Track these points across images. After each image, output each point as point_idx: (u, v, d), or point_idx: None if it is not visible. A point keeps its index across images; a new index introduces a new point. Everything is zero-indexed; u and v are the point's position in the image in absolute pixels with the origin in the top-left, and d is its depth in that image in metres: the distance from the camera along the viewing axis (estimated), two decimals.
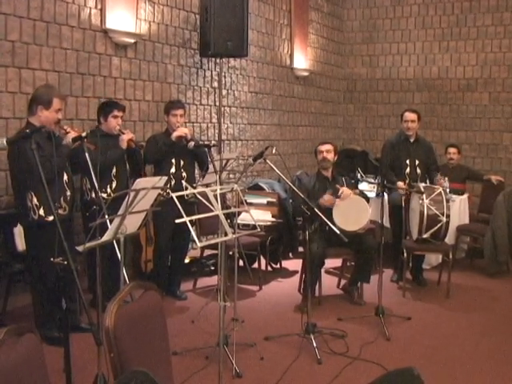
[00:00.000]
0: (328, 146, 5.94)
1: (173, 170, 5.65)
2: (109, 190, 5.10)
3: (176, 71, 6.92)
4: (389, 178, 6.32)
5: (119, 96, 6.13)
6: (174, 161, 5.66)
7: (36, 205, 4.36)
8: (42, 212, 4.37)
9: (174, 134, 5.59)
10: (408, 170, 6.45)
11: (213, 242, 4.44)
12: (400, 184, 6.27)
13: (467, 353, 4.64)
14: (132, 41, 6.21)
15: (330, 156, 5.89)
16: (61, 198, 4.48)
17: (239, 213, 5.86)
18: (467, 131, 9.70)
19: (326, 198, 5.60)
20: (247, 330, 4.77)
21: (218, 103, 7.46)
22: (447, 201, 5.97)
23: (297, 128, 9.42)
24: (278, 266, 7.15)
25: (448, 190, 6.35)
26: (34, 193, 4.34)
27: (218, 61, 7.32)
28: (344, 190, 5.61)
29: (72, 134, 4.41)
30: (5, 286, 4.98)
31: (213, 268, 6.65)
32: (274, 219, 6.80)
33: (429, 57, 9.92)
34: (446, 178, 6.51)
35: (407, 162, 6.46)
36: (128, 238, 3.84)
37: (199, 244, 3.34)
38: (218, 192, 3.46)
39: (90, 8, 5.77)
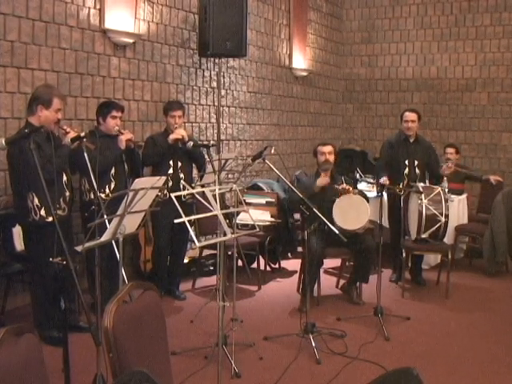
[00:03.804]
0: (330, 148, 5.91)
1: (170, 171, 5.65)
2: (107, 191, 5.09)
3: (175, 71, 6.92)
4: (379, 175, 6.33)
5: (118, 96, 6.13)
6: (171, 162, 5.66)
7: (37, 205, 4.35)
8: (43, 212, 4.36)
9: (171, 137, 5.59)
10: (407, 170, 6.43)
11: (212, 241, 4.44)
12: (384, 180, 6.20)
13: (466, 352, 4.65)
14: (131, 41, 6.21)
15: (332, 158, 5.88)
16: (60, 198, 4.47)
17: (238, 213, 5.86)
18: (466, 131, 9.71)
19: (321, 179, 5.64)
20: (246, 330, 4.77)
21: (216, 103, 7.45)
22: (446, 201, 5.97)
23: (296, 128, 9.42)
24: (277, 265, 7.15)
25: (447, 190, 6.35)
26: (35, 193, 4.33)
27: (216, 61, 7.32)
28: (344, 186, 5.62)
29: (71, 134, 4.41)
30: (4, 286, 4.97)
31: (212, 268, 6.64)
32: (272, 219, 6.79)
33: (428, 57, 9.93)
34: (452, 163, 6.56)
35: (406, 162, 6.45)
36: (127, 238, 3.84)
37: (198, 244, 3.34)
38: (217, 192, 3.47)
39: (89, 8, 5.77)
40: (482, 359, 4.52)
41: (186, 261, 6.31)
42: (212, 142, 7.16)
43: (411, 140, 6.52)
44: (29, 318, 4.63)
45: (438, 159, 6.82)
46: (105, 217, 3.61)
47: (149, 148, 5.63)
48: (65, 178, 4.55)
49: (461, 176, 7.74)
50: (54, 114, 4.41)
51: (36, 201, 4.35)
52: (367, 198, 5.80)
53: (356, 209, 5.50)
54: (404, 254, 6.10)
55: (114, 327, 2.19)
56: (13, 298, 5.15)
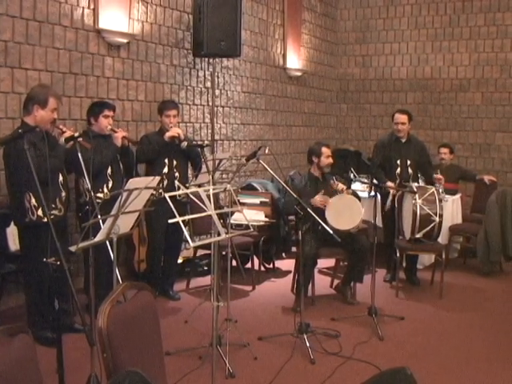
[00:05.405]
0: (330, 150, 5.92)
1: (165, 170, 5.64)
2: (105, 190, 5.07)
3: (169, 71, 6.91)
4: (378, 177, 6.33)
5: (112, 96, 6.12)
6: (166, 161, 5.66)
7: (34, 205, 4.33)
8: (40, 212, 4.35)
9: (167, 135, 5.59)
10: (399, 170, 6.45)
11: (206, 242, 4.42)
12: (389, 184, 6.28)
13: (460, 352, 4.66)
14: (125, 41, 6.20)
15: None
16: (56, 198, 4.46)
17: (232, 213, 5.85)
18: (460, 131, 9.73)
19: (319, 199, 5.60)
20: (240, 330, 4.77)
21: (210, 103, 7.45)
22: (440, 201, 5.98)
23: (290, 128, 9.42)
24: (271, 265, 7.15)
25: (441, 190, 6.37)
26: (32, 193, 4.32)
27: (211, 61, 7.32)
28: (338, 184, 5.63)
29: (67, 134, 4.40)
30: None
31: (206, 268, 6.64)
32: (267, 219, 6.79)
33: (422, 57, 9.95)
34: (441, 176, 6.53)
35: (398, 162, 6.46)
36: (121, 238, 3.83)
37: (192, 244, 3.33)
38: (211, 192, 3.46)
39: (83, 8, 5.76)
40: (475, 358, 4.53)
41: (180, 261, 6.30)
42: (206, 142, 7.14)
43: (403, 140, 6.52)
44: (23, 318, 4.61)
45: (430, 159, 6.82)
46: (99, 217, 3.61)
47: (143, 145, 5.62)
48: (61, 178, 4.54)
49: (455, 176, 7.77)
50: (49, 114, 4.40)
51: (33, 201, 4.33)
52: (359, 198, 5.80)
53: (349, 209, 5.51)
54: (398, 254, 6.11)
55: (108, 327, 2.19)
56: (6, 299, 5.14)
